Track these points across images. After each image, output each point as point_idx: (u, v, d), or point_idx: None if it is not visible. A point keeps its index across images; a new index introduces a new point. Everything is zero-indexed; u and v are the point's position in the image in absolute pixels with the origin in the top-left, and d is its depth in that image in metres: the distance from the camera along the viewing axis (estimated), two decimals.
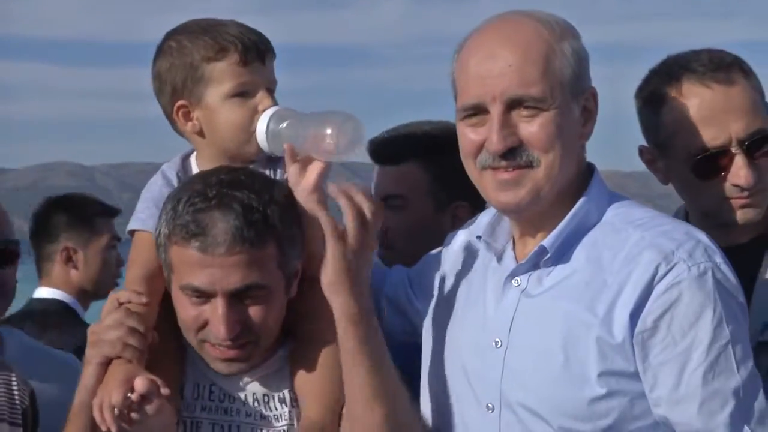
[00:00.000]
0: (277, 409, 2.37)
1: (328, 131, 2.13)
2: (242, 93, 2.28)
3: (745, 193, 2.49)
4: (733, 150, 2.43)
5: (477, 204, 2.60)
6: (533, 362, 2.17)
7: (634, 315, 2.07)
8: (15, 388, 2.52)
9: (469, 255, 2.42)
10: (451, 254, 2.48)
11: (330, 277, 2.15)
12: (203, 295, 2.16)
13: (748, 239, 2.62)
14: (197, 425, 2.34)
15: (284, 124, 2.25)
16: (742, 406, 2.07)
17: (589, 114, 2.22)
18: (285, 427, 2.34)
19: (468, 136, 2.14)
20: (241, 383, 2.34)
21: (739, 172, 2.46)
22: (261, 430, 2.35)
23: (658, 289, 2.07)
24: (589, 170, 2.29)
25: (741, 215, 2.54)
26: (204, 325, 2.19)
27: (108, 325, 2.20)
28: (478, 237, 2.30)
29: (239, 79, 2.27)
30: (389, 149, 2.90)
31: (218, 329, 2.15)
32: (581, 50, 2.21)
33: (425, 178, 2.84)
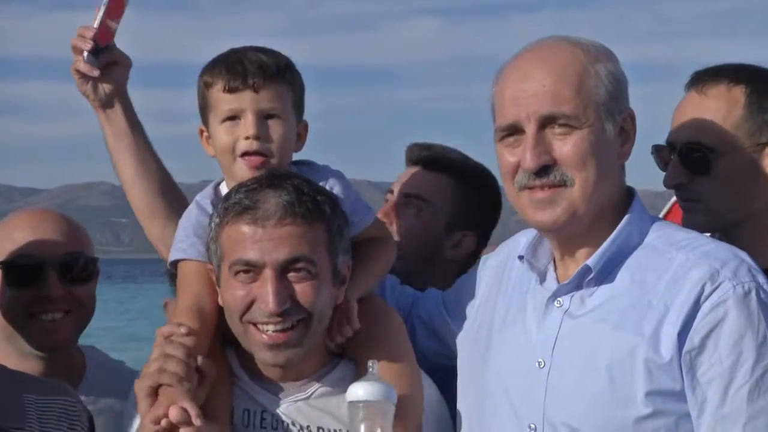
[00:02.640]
0: None
1: None
2: (231, 117, 2.33)
3: None
4: None
5: (483, 239, 2.69)
6: (577, 382, 2.16)
7: (682, 334, 2.08)
8: (76, 413, 2.48)
9: (507, 277, 2.42)
10: (486, 276, 2.50)
11: None
12: (253, 270, 2.16)
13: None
14: None
15: None
16: None
17: (626, 135, 2.22)
18: None
19: (505, 157, 2.16)
20: (292, 409, 2.30)
21: None
22: None
23: (705, 307, 2.09)
24: (630, 193, 2.30)
25: None
26: (251, 304, 2.17)
27: (152, 358, 2.21)
28: (520, 257, 2.31)
29: (225, 105, 2.33)
30: (432, 155, 2.95)
31: (267, 302, 2.14)
32: (617, 72, 2.22)
33: (450, 195, 2.89)
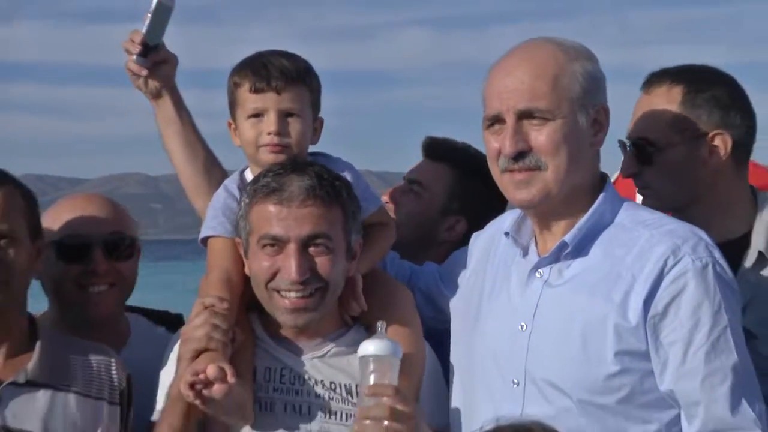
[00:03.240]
0: (345, 399, 2.51)
1: None
2: (255, 114, 2.55)
3: None
4: None
5: (475, 224, 2.85)
6: (555, 343, 2.34)
7: (647, 302, 2.26)
8: (114, 371, 2.65)
9: (494, 251, 2.60)
10: (476, 251, 2.67)
11: None
12: (278, 244, 2.37)
13: (737, 236, 2.81)
14: (271, 405, 2.49)
15: None
16: (739, 382, 2.25)
17: (600, 126, 2.40)
18: (351, 410, 2.47)
19: (491, 143, 2.36)
20: (309, 366, 2.50)
21: None
22: (329, 412, 2.49)
23: (667, 279, 2.27)
24: (602, 178, 2.47)
25: None
26: (275, 273, 2.38)
27: (196, 324, 2.39)
28: (506, 234, 2.48)
29: (251, 103, 2.55)
30: (436, 147, 3.17)
31: (290, 271, 2.35)
32: (593, 71, 2.40)
33: (448, 183, 3.10)
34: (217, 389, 2.27)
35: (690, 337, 2.26)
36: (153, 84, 2.78)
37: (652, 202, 2.79)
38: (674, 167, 2.80)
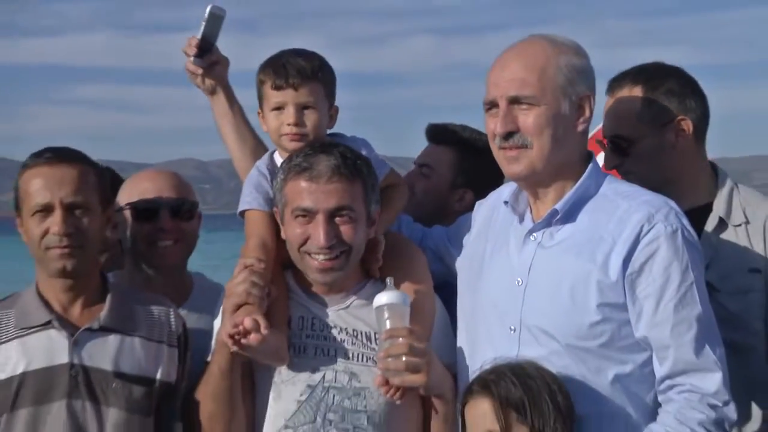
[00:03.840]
0: (365, 344, 2.71)
1: None
2: (277, 107, 2.76)
3: None
4: None
5: (481, 195, 3.03)
6: (547, 297, 2.54)
7: (626, 261, 2.46)
8: (172, 319, 2.88)
9: (495, 217, 2.80)
10: (480, 217, 2.87)
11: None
12: (308, 214, 2.59)
13: (700, 204, 3.04)
14: (303, 348, 2.69)
15: None
16: (703, 329, 2.46)
17: (582, 111, 2.58)
18: (371, 353, 2.69)
19: (489, 124, 2.57)
20: (335, 316, 2.72)
21: None
22: (351, 354, 2.70)
23: (643, 242, 2.47)
24: (589, 156, 2.65)
25: None
26: (307, 239, 2.61)
27: (237, 282, 2.58)
28: (506, 202, 2.67)
29: (274, 98, 2.76)
30: (438, 131, 3.42)
31: (318, 238, 2.57)
32: (579, 64, 2.60)
33: (453, 162, 3.34)
34: (252, 338, 2.48)
35: (661, 292, 2.46)
36: (209, 82, 3.02)
37: (635, 183, 2.93)
38: (648, 154, 3.02)
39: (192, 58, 2.97)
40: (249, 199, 2.80)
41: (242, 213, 2.83)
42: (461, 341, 2.77)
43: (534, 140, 2.55)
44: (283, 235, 2.69)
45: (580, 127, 2.60)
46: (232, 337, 2.49)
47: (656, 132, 3.03)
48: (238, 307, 2.56)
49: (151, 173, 3.32)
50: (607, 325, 2.50)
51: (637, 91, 3.03)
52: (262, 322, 2.49)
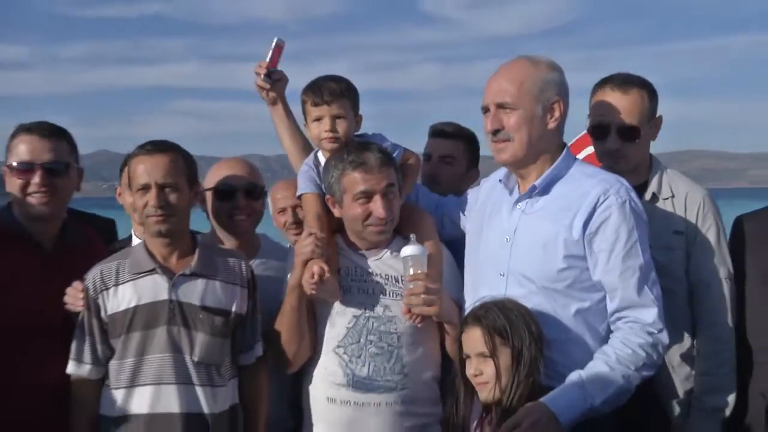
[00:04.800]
0: (395, 284, 3.08)
1: None
2: (317, 119, 3.15)
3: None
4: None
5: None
6: (527, 250, 2.85)
7: (585, 224, 2.77)
8: (243, 267, 3.13)
9: (493, 192, 3.11)
10: (483, 192, 3.20)
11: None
12: (368, 197, 2.96)
13: (641, 183, 3.29)
14: (349, 289, 3.08)
15: None
16: (643, 275, 2.76)
17: (552, 113, 2.88)
18: (398, 291, 3.05)
19: (484, 123, 2.90)
20: (371, 264, 3.09)
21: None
22: (384, 292, 3.07)
23: (599, 210, 2.77)
24: (563, 145, 2.95)
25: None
26: (368, 216, 2.98)
27: (304, 244, 2.98)
28: (500, 180, 3.04)
29: (314, 113, 3.14)
30: (453, 130, 3.86)
31: (379, 213, 2.97)
32: (550, 77, 2.88)
33: (466, 151, 3.83)
34: (324, 280, 2.94)
35: (612, 247, 2.76)
36: (271, 95, 3.37)
37: (616, 166, 3.24)
38: (644, 143, 3.33)
39: (261, 77, 3.32)
40: (303, 186, 3.19)
41: (299, 196, 3.22)
42: (466, 283, 3.08)
43: (515, 135, 2.86)
44: (336, 213, 3.08)
45: (551, 125, 2.88)
46: (308, 282, 2.93)
47: (649, 127, 3.33)
48: (306, 262, 2.96)
49: (229, 162, 3.57)
50: (571, 272, 2.79)
51: (645, 95, 3.28)
52: (326, 269, 2.92)
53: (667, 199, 3.30)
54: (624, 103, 3.27)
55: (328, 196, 3.09)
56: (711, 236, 3.22)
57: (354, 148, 3.03)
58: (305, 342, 3.08)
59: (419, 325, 3.00)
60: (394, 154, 3.14)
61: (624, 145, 3.27)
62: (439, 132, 3.88)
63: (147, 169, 2.99)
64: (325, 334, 3.10)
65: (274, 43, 3.32)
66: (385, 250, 3.13)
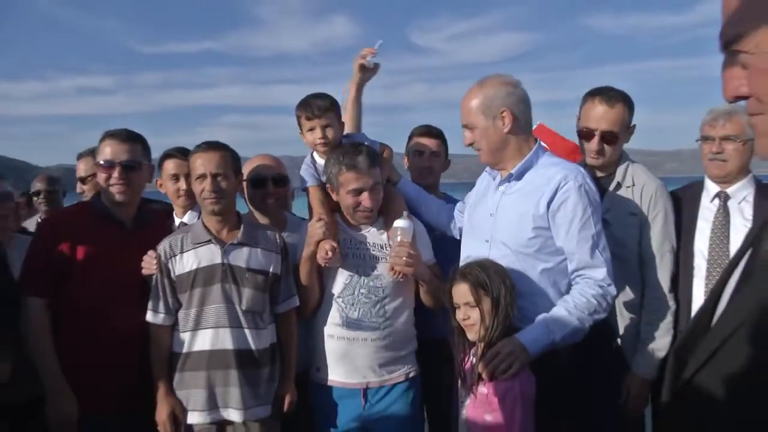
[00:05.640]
0: (380, 251, 3.43)
1: None
2: (310, 129, 3.49)
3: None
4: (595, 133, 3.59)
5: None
6: (505, 222, 3.13)
7: (549, 203, 3.02)
8: (278, 238, 3.48)
9: (485, 178, 3.45)
10: (480, 178, 3.53)
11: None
12: (358, 192, 3.32)
13: (610, 173, 3.67)
14: (346, 255, 3.43)
15: None
16: (596, 243, 3.03)
17: (503, 121, 3.13)
18: (383, 256, 3.42)
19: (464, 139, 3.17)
20: (362, 236, 3.46)
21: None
22: (372, 257, 3.43)
23: (560, 192, 3.01)
24: (535, 141, 3.22)
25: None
26: (359, 204, 3.35)
27: (316, 227, 3.33)
28: (488, 172, 3.39)
29: (307, 125, 3.50)
30: (436, 131, 4.26)
31: (368, 204, 3.34)
32: (493, 93, 3.12)
33: (443, 145, 4.22)
34: (332, 256, 3.33)
35: (571, 221, 3.02)
36: (362, 75, 3.68)
37: (596, 161, 3.63)
38: (619, 145, 3.65)
39: (367, 59, 3.63)
40: (308, 180, 3.59)
41: (305, 188, 3.60)
42: (463, 247, 3.40)
43: (481, 146, 3.22)
44: (335, 198, 3.44)
45: (506, 129, 3.15)
46: (323, 258, 3.32)
47: (627, 134, 3.67)
48: (317, 241, 3.35)
49: (260, 158, 3.87)
50: (538, 239, 3.07)
51: (626, 108, 3.61)
52: (336, 246, 3.35)
53: (628, 187, 3.58)
54: (609, 115, 3.57)
55: (328, 185, 3.44)
56: (659, 218, 3.52)
57: (349, 151, 3.34)
58: (315, 293, 3.46)
59: (400, 280, 3.40)
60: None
61: (605, 146, 3.61)
62: (427, 132, 4.27)
63: (203, 162, 3.34)
64: (327, 289, 3.48)
65: (379, 43, 3.64)
66: (372, 227, 3.53)
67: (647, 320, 3.56)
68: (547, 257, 3.06)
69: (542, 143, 3.32)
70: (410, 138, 4.29)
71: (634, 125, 3.64)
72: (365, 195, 3.35)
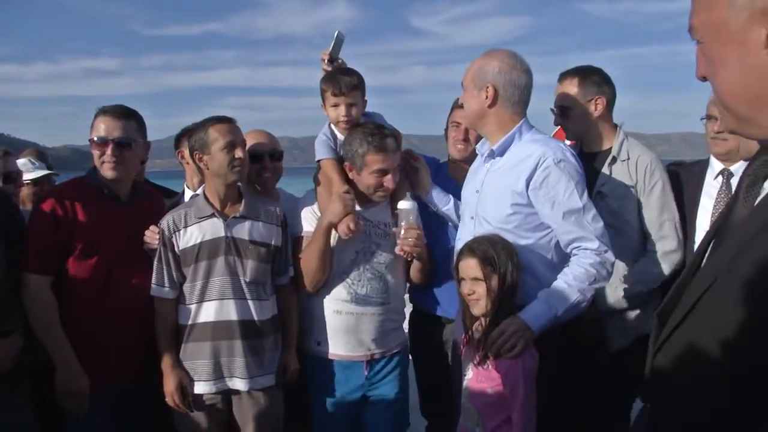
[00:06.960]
0: (384, 228, 3.50)
1: None
2: (335, 105, 3.46)
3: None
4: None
5: None
6: (489, 199, 3.13)
7: (528, 180, 2.99)
8: (278, 211, 3.46)
9: (479, 158, 3.42)
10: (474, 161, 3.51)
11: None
12: (383, 173, 3.35)
13: (604, 149, 3.70)
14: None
15: None
16: (582, 215, 2.98)
17: (487, 94, 3.11)
18: (385, 233, 3.48)
19: None
20: (373, 215, 3.51)
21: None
22: (376, 234, 3.48)
23: (540, 168, 2.98)
24: (522, 119, 3.16)
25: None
26: (380, 185, 3.39)
27: (347, 198, 3.32)
28: (477, 149, 3.41)
29: (332, 101, 3.46)
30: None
31: (390, 186, 3.37)
32: (485, 67, 3.12)
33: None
34: (354, 229, 3.36)
35: (554, 197, 2.99)
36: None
37: (570, 136, 3.77)
38: (577, 118, 3.70)
39: (325, 62, 3.54)
40: (321, 153, 3.56)
41: (319, 161, 3.56)
42: (461, 225, 3.44)
43: (465, 105, 3.28)
44: (351, 176, 3.45)
45: (486, 104, 3.17)
46: (346, 231, 3.35)
47: (582, 105, 3.68)
48: (340, 216, 3.37)
49: (255, 133, 3.77)
50: (517, 216, 3.07)
51: (576, 80, 3.67)
52: (359, 221, 3.41)
53: (624, 161, 3.62)
54: (558, 91, 3.71)
55: (347, 163, 3.43)
56: (657, 189, 3.55)
57: (376, 133, 3.36)
58: (326, 266, 3.45)
59: (408, 260, 3.53)
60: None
61: (563, 120, 3.74)
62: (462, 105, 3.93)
63: (230, 130, 3.37)
64: (337, 263, 3.51)
65: (335, 36, 3.47)
66: (377, 205, 3.59)
67: (637, 279, 3.60)
68: (527, 233, 3.05)
69: (529, 122, 3.29)
70: (451, 111, 4.12)
71: (599, 97, 3.65)
72: (389, 177, 3.37)
